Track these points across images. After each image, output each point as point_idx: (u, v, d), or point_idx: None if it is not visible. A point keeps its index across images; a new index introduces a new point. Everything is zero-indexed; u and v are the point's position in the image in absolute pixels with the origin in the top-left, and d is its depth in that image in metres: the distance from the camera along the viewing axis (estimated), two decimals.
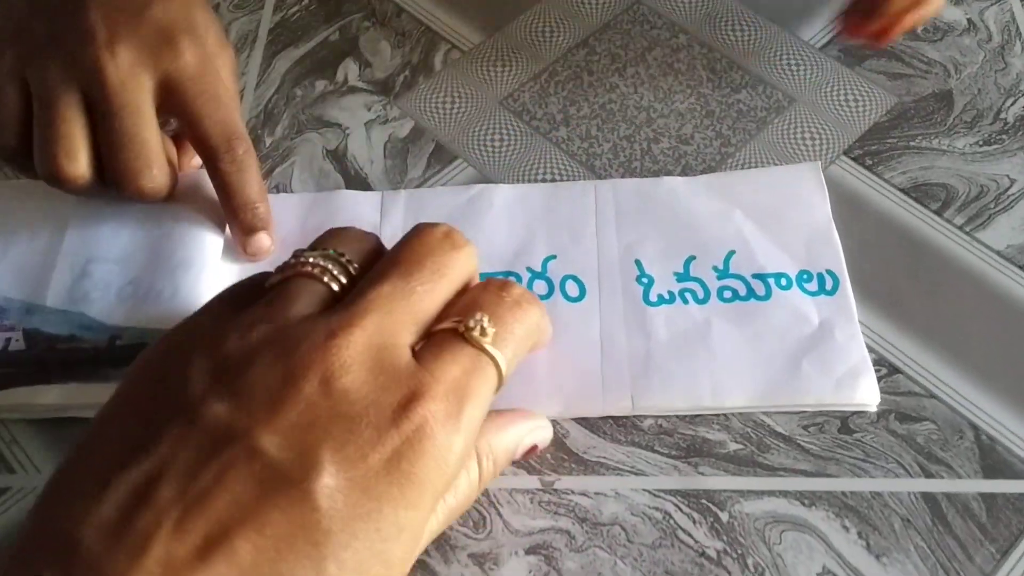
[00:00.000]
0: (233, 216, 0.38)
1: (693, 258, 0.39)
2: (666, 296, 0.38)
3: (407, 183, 0.42)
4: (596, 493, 0.34)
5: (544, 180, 0.42)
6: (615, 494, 0.34)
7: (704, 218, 0.40)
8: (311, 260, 0.28)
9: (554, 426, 0.35)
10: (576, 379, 0.36)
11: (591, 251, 0.39)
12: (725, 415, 0.35)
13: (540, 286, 0.38)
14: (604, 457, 0.34)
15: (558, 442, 0.35)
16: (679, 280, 0.38)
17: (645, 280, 0.38)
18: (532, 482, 0.34)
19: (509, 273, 0.38)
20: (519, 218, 0.40)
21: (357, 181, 0.42)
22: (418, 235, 0.30)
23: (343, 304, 0.27)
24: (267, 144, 0.43)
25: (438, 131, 0.44)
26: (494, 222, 0.40)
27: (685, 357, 0.36)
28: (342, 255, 0.29)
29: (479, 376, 0.27)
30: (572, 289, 0.38)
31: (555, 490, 0.34)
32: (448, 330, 0.28)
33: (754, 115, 0.44)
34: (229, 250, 0.39)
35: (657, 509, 0.33)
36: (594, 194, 0.40)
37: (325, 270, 0.28)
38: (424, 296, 0.28)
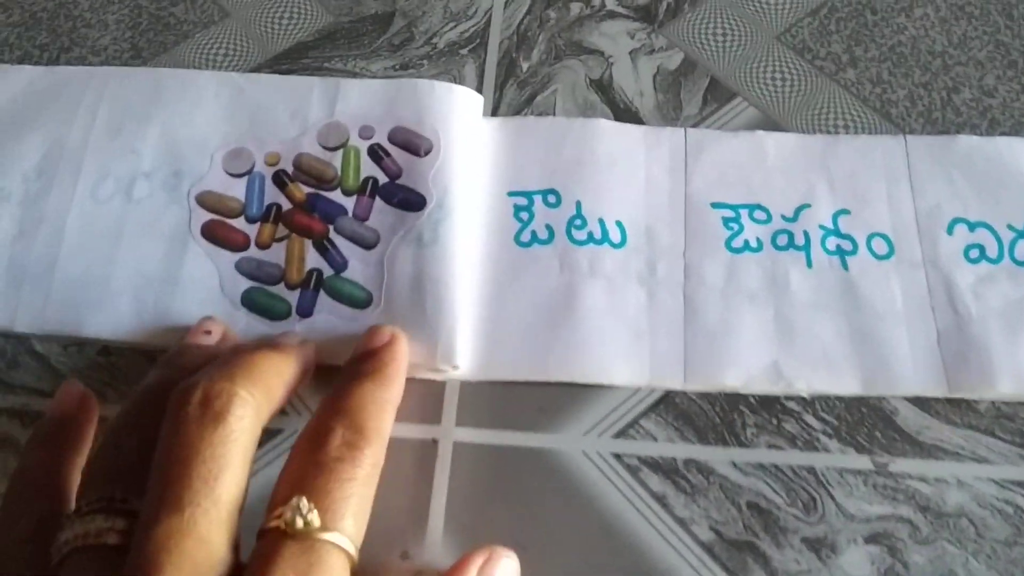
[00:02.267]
0: None
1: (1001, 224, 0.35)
2: (970, 257, 0.34)
3: (683, 120, 0.38)
4: (936, 479, 0.30)
5: (836, 126, 0.38)
6: (957, 482, 0.30)
7: (1013, 181, 0.36)
8: (80, 531, 0.23)
9: (879, 402, 0.32)
10: (877, 352, 0.32)
11: (891, 210, 0.35)
12: None
13: (837, 243, 0.35)
14: (940, 440, 0.31)
15: (886, 419, 0.31)
16: (972, 232, 0.35)
17: (950, 243, 0.34)
18: (863, 462, 0.31)
19: (788, 233, 0.35)
20: (799, 169, 0.36)
21: (627, 114, 0.38)
22: (173, 429, 0.24)
23: (129, 566, 0.22)
24: (524, 69, 0.39)
25: (712, 65, 0.39)
26: (769, 172, 0.36)
27: (1006, 336, 0.32)
28: (114, 498, 0.24)
29: (321, 571, 0.23)
30: (880, 247, 0.34)
31: (890, 473, 0.30)
32: (272, 530, 0.23)
33: None
34: None
35: (1007, 502, 0.30)
36: (884, 148, 0.37)
37: (100, 532, 0.23)
38: (211, 508, 0.23)
